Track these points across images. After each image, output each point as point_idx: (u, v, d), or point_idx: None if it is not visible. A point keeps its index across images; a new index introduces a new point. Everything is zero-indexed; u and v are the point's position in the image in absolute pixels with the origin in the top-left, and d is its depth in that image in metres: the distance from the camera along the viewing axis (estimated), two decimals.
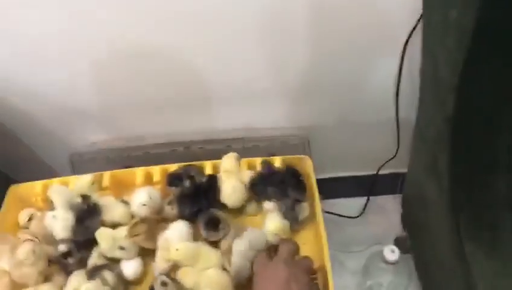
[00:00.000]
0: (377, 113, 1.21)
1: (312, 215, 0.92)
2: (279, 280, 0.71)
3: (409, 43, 0.99)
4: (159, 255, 0.84)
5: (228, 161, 0.93)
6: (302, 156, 0.95)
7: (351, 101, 1.18)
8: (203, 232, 0.87)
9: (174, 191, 0.91)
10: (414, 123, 1.06)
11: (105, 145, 1.22)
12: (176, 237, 0.84)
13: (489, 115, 0.74)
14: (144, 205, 0.89)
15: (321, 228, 0.85)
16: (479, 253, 0.77)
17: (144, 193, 0.90)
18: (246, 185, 0.92)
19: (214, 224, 0.87)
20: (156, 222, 0.88)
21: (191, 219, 0.89)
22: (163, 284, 0.78)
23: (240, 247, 0.80)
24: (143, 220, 0.86)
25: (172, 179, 0.91)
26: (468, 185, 0.78)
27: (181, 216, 0.89)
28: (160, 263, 0.84)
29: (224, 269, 0.81)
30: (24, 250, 0.84)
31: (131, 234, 0.85)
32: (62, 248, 0.87)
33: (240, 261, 0.79)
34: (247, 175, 0.93)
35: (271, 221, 0.86)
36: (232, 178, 0.91)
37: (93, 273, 0.84)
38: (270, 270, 0.74)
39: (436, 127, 0.80)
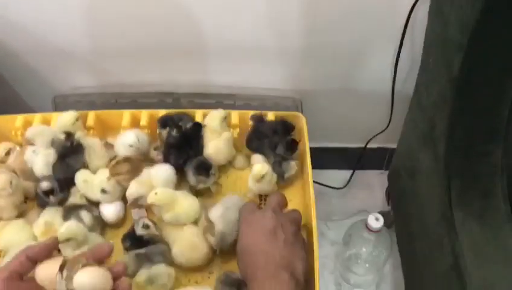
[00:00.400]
0: (373, 84, 1.19)
1: (300, 173, 0.90)
2: (266, 227, 0.68)
3: (415, 8, 0.96)
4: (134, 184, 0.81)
5: (212, 120, 0.89)
6: (296, 113, 0.92)
7: (348, 70, 1.16)
8: (191, 179, 0.84)
9: (164, 133, 0.87)
10: (409, 96, 1.05)
11: (91, 90, 1.17)
12: (159, 177, 0.81)
13: (493, 82, 0.72)
14: (131, 146, 0.85)
15: (309, 184, 0.83)
16: (469, 221, 0.76)
17: (131, 134, 0.86)
18: (230, 142, 0.89)
19: (204, 169, 0.84)
20: (139, 163, 0.85)
21: (177, 167, 0.86)
22: (145, 226, 0.75)
23: (218, 213, 0.77)
24: (126, 159, 0.83)
25: (165, 121, 0.87)
26: (464, 152, 0.77)
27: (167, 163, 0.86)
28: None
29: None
30: (1, 180, 0.80)
31: (113, 172, 0.82)
32: (45, 185, 0.83)
33: (223, 227, 0.76)
34: (231, 134, 0.90)
35: (256, 166, 0.83)
36: (215, 139, 0.88)
37: (69, 211, 0.81)
38: (257, 217, 0.72)
39: (439, 90, 0.79)
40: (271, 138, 0.88)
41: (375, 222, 1.01)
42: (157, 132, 0.90)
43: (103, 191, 0.83)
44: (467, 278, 0.70)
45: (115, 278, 0.59)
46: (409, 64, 1.10)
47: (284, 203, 0.76)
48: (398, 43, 1.04)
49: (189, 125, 0.87)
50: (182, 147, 0.87)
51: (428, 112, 0.85)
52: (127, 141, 0.85)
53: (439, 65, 0.78)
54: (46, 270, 0.57)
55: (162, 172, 0.81)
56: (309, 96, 1.22)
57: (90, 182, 0.84)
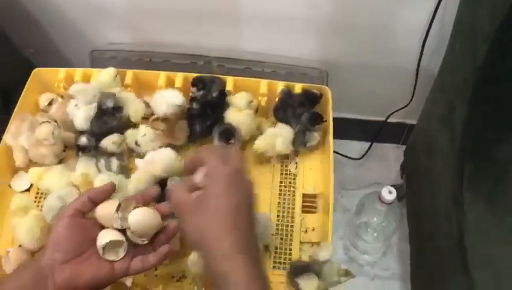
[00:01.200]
0: (399, 61, 1.21)
1: (322, 143, 0.95)
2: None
3: None
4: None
5: (239, 99, 0.93)
6: (323, 86, 0.96)
7: (376, 43, 1.18)
8: (216, 143, 0.90)
9: (196, 94, 0.92)
10: (433, 75, 1.08)
11: (126, 47, 1.22)
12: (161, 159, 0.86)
13: None
14: (179, 106, 0.90)
15: (330, 156, 0.88)
16: (477, 203, 0.80)
17: (175, 93, 0.91)
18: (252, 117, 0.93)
19: (227, 135, 0.89)
20: (175, 123, 0.91)
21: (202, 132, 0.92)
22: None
23: None
24: (164, 119, 0.89)
25: (197, 83, 0.92)
26: (480, 137, 0.81)
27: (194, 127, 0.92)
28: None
29: None
30: (44, 130, 0.87)
31: (152, 126, 0.88)
32: (83, 141, 0.89)
33: None
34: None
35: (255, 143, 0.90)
36: (240, 117, 0.92)
37: (102, 160, 0.88)
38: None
39: (462, 76, 0.82)
40: (296, 108, 0.92)
41: (388, 194, 1.06)
42: (190, 92, 0.95)
43: (137, 144, 0.89)
44: (470, 255, 0.76)
45: (163, 217, 0.67)
46: (437, 44, 1.12)
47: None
48: (429, 21, 1.06)
49: (215, 93, 0.91)
50: (206, 113, 0.93)
51: (449, 95, 0.88)
52: (176, 100, 0.90)
53: (465, 52, 0.81)
54: (105, 210, 0.65)
55: (163, 156, 0.87)
56: (335, 67, 1.25)
57: (126, 135, 0.91)
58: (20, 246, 0.84)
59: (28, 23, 1.20)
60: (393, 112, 1.36)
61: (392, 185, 1.43)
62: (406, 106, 1.30)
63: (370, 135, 1.48)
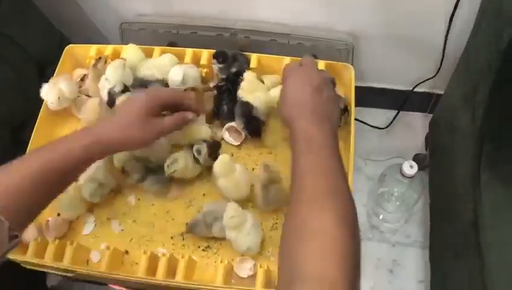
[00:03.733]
0: (427, 31, 1.20)
1: (344, 123, 0.96)
2: (313, 84, 0.75)
3: None
4: None
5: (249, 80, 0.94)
6: (346, 64, 0.97)
7: (404, 13, 1.16)
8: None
9: (216, 68, 0.95)
10: (461, 48, 1.07)
11: (155, 18, 1.24)
12: None
13: None
14: (179, 81, 0.93)
15: (352, 137, 0.90)
16: (494, 183, 0.82)
17: (177, 71, 0.94)
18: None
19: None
20: (202, 94, 0.95)
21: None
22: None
23: None
24: (192, 88, 0.93)
25: (219, 55, 0.94)
26: (500, 120, 0.82)
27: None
28: None
29: None
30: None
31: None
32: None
33: None
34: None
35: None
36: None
37: None
38: (302, 74, 0.78)
39: (486, 57, 0.82)
40: None
41: (409, 168, 1.08)
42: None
43: None
44: (482, 236, 0.78)
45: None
46: (466, 19, 1.10)
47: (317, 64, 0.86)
48: None
49: (234, 70, 0.94)
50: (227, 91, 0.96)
51: (473, 76, 0.88)
52: (175, 77, 0.93)
53: (490, 34, 0.80)
54: None
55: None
56: (362, 36, 1.25)
57: None
58: (58, 215, 0.92)
59: None
60: (420, 83, 1.36)
61: (416, 154, 1.45)
62: (433, 77, 1.29)
63: (397, 104, 1.48)
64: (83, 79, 1.02)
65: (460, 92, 0.96)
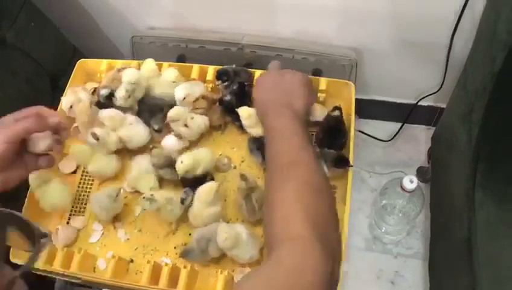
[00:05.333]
0: (430, 46, 1.22)
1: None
2: (269, 84, 0.88)
3: None
4: None
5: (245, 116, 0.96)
6: (347, 81, 0.99)
7: (407, 28, 1.19)
8: None
9: (220, 86, 0.98)
10: (462, 66, 1.09)
11: (165, 32, 1.28)
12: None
13: None
14: (182, 97, 0.97)
15: (351, 151, 0.92)
16: (488, 203, 0.84)
17: (180, 87, 0.98)
18: None
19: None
20: (212, 103, 0.99)
21: None
22: None
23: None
24: (203, 96, 0.97)
25: (221, 74, 0.98)
26: (495, 140, 0.84)
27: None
28: None
29: None
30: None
31: (195, 106, 0.96)
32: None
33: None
34: None
35: None
36: None
37: None
38: (264, 78, 0.91)
39: (481, 79, 0.84)
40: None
41: (409, 183, 1.10)
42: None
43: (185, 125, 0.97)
44: (475, 254, 0.80)
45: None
46: (467, 35, 1.12)
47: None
48: (459, 12, 1.06)
49: (235, 86, 0.97)
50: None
51: (470, 95, 0.90)
52: (178, 94, 0.97)
53: (485, 56, 0.82)
54: None
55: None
56: (366, 49, 1.28)
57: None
58: (67, 223, 0.96)
59: (73, 10, 1.27)
60: (424, 97, 1.38)
61: (420, 167, 1.47)
62: (437, 92, 1.32)
63: (401, 117, 1.50)
64: (93, 92, 1.06)
65: (458, 110, 0.98)
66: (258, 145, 0.94)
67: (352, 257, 1.43)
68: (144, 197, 0.88)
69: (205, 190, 0.88)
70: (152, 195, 0.88)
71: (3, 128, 0.70)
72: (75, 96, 0.98)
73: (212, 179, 0.93)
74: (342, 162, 0.92)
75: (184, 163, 0.90)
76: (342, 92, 1.00)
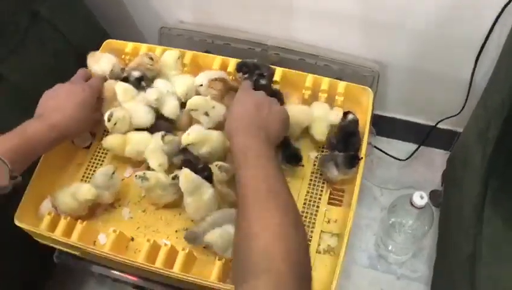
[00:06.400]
0: (454, 68, 1.21)
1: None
2: (257, 102, 0.86)
3: (507, 8, 0.97)
4: None
5: None
6: (365, 87, 0.99)
7: (432, 48, 1.18)
8: None
9: (240, 77, 0.99)
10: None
11: (194, 27, 1.31)
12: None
13: None
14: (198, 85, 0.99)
15: (361, 164, 0.92)
16: (496, 220, 0.83)
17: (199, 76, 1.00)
18: None
19: None
20: (228, 88, 1.00)
21: None
22: None
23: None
24: (221, 79, 0.98)
25: (241, 66, 0.99)
26: (508, 159, 0.82)
27: None
28: None
29: None
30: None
31: (210, 85, 0.98)
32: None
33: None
34: None
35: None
36: None
37: None
38: (251, 93, 0.89)
39: (500, 96, 0.83)
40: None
41: (419, 199, 1.08)
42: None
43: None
44: (478, 270, 0.79)
45: None
46: (491, 59, 1.11)
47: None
48: (485, 36, 1.06)
49: (255, 77, 0.98)
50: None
51: (488, 113, 0.90)
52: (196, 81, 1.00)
53: (507, 74, 0.82)
54: None
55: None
56: (389, 67, 1.28)
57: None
58: None
59: None
60: (444, 119, 1.37)
61: (433, 191, 1.45)
62: (457, 115, 1.30)
63: (419, 138, 1.49)
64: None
65: (476, 128, 0.97)
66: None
67: (354, 273, 1.41)
68: (136, 175, 0.91)
69: (182, 178, 0.88)
70: (144, 173, 0.91)
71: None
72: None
73: (210, 177, 0.92)
74: (353, 161, 0.92)
75: (190, 135, 0.92)
76: (360, 97, 1.00)
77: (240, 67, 0.99)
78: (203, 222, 0.89)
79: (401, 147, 1.55)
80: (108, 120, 0.95)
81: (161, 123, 1.01)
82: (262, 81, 0.97)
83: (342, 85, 1.00)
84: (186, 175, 0.87)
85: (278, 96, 0.95)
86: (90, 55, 1.04)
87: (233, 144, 0.79)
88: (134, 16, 1.38)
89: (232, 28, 1.29)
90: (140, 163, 1.00)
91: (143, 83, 1.01)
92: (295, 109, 0.98)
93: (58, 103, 0.90)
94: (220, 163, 0.90)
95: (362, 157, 0.91)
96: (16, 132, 0.83)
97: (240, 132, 0.79)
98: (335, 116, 0.99)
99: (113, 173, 0.93)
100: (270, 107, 0.86)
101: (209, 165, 0.92)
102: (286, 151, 0.94)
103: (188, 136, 0.91)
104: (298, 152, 0.95)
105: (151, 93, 0.98)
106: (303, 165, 0.96)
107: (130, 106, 0.99)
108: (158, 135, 0.96)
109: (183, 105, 1.00)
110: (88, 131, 1.03)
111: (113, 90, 0.99)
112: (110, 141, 0.98)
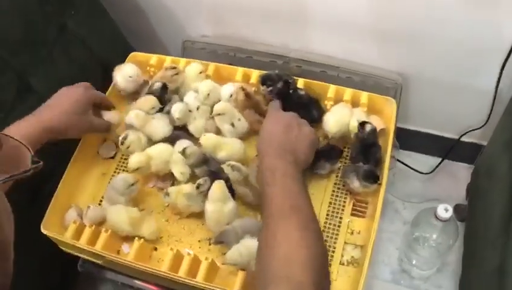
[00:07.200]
0: (477, 80, 1.20)
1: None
2: (286, 123, 0.88)
3: None
4: None
5: None
6: (388, 97, 0.99)
7: (455, 59, 1.17)
8: None
9: (264, 90, 1.00)
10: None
11: (216, 40, 1.33)
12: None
13: None
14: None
15: (385, 173, 0.91)
16: None
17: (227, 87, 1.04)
18: None
19: None
20: (251, 104, 1.02)
21: None
22: None
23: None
24: (243, 89, 1.00)
25: (265, 79, 1.00)
26: None
27: None
28: None
29: None
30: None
31: (237, 93, 1.00)
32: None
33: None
34: None
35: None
36: None
37: None
38: (282, 114, 0.92)
39: None
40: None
41: (444, 212, 1.07)
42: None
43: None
44: (507, 282, 0.77)
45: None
46: None
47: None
48: (510, 45, 1.05)
49: (280, 84, 0.99)
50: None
51: None
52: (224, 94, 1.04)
53: None
54: None
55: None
56: (412, 79, 1.27)
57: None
58: (99, 204, 0.98)
59: (131, 9, 1.34)
60: (468, 131, 1.35)
61: (457, 205, 1.43)
62: (481, 128, 1.28)
63: (442, 151, 1.47)
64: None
65: (503, 137, 0.96)
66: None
67: (376, 288, 1.38)
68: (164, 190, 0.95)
69: (215, 189, 0.89)
70: (166, 190, 0.94)
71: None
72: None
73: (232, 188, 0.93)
74: (372, 178, 0.91)
75: (207, 136, 0.94)
76: (384, 108, 1.00)
77: (264, 80, 1.00)
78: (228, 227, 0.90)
79: (424, 161, 1.53)
80: (122, 143, 0.98)
81: (179, 134, 1.03)
82: (301, 92, 1.01)
83: (364, 96, 1.00)
84: (219, 187, 0.89)
85: (315, 105, 1.00)
86: (117, 69, 1.06)
87: (262, 163, 0.83)
88: (158, 29, 1.41)
89: (254, 41, 1.30)
90: (166, 175, 1.01)
91: (166, 96, 1.03)
92: None
93: (55, 100, 0.95)
94: (232, 162, 0.92)
95: (380, 183, 0.91)
96: (14, 125, 0.87)
97: (269, 153, 0.84)
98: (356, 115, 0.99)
99: (133, 185, 0.95)
100: (300, 129, 0.89)
101: (222, 166, 0.93)
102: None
103: (205, 137, 0.96)
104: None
105: (174, 110, 1.01)
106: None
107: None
108: (179, 146, 0.97)
109: None
110: (81, 133, 1.01)
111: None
112: (134, 160, 0.97)
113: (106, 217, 0.93)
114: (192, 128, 1.03)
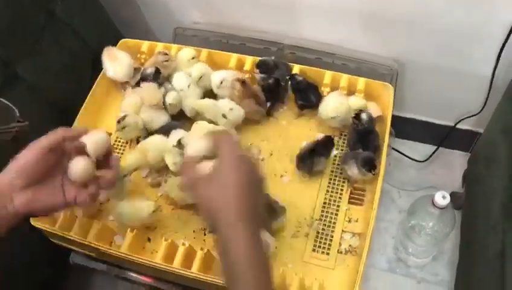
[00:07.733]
0: (473, 67, 1.19)
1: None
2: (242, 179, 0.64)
3: None
4: None
5: None
6: (385, 83, 0.97)
7: (451, 45, 1.16)
8: None
9: (257, 74, 0.98)
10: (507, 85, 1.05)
11: (208, 27, 1.30)
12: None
13: None
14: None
15: (383, 159, 0.90)
16: None
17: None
18: None
19: None
20: (246, 92, 0.99)
21: None
22: None
23: None
24: (239, 79, 0.97)
25: (261, 65, 0.98)
26: None
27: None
28: None
29: None
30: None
31: (232, 85, 0.97)
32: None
33: None
34: None
35: None
36: None
37: None
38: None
39: None
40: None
41: (441, 199, 1.05)
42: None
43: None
44: (508, 267, 0.76)
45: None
46: None
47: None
48: (507, 32, 1.03)
49: (271, 80, 0.98)
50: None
51: None
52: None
53: None
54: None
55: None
56: (407, 67, 1.25)
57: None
58: None
59: None
60: (464, 118, 1.34)
61: (453, 192, 1.42)
62: (477, 114, 1.27)
63: (437, 139, 1.46)
64: None
65: (501, 123, 0.95)
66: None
67: (372, 277, 1.37)
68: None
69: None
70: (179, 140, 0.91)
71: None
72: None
73: None
74: (370, 166, 0.90)
75: (199, 124, 0.93)
76: (380, 94, 0.99)
77: (259, 65, 0.98)
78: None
79: (419, 149, 1.53)
80: (119, 122, 0.95)
81: (172, 124, 1.01)
82: (299, 78, 0.99)
83: (361, 81, 0.98)
84: None
85: (313, 90, 0.98)
86: (106, 50, 1.03)
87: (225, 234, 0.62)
88: (148, 17, 1.38)
89: (247, 27, 1.28)
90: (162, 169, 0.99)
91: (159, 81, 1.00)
92: None
93: None
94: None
95: (374, 174, 0.89)
96: None
97: (218, 222, 0.62)
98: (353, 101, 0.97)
99: (125, 177, 0.93)
100: (259, 179, 0.67)
101: None
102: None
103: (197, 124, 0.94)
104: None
105: (168, 97, 0.98)
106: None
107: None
108: (174, 136, 0.95)
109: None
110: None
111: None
112: (130, 159, 0.94)
113: None
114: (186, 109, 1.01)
